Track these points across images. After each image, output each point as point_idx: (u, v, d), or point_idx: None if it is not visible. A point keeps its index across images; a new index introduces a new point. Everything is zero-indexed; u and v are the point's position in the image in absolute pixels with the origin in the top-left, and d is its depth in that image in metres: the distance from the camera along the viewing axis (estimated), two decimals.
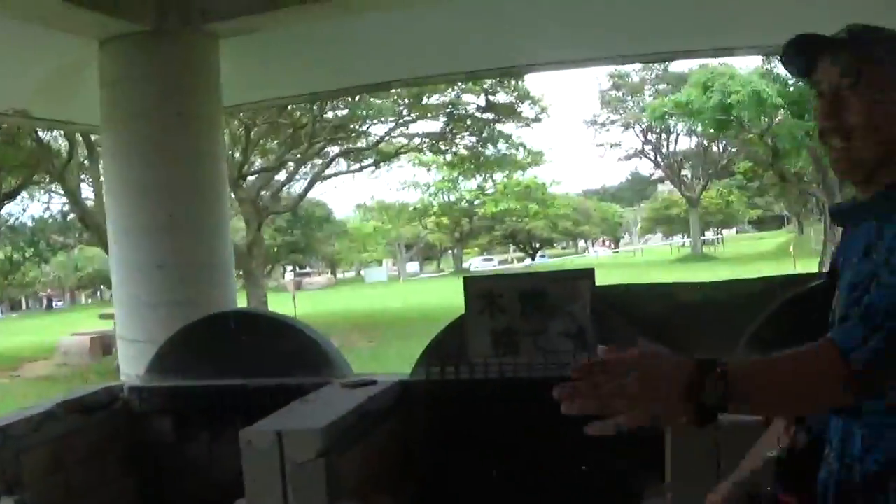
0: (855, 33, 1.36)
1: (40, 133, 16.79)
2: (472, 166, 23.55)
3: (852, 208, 1.39)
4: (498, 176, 30.72)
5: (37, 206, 32.81)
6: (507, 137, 22.85)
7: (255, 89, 6.38)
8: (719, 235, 55.45)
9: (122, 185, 4.15)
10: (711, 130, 25.65)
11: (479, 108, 20.58)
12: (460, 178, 35.64)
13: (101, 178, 18.34)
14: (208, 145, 4.28)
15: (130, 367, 3.98)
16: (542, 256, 57.33)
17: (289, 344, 3.29)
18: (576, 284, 2.96)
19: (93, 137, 15.73)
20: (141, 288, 4.00)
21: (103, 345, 16.52)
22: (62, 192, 26.85)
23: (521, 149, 24.85)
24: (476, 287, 3.06)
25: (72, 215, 31.17)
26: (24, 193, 24.00)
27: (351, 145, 23.18)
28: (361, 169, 25.81)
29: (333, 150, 22.57)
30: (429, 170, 35.97)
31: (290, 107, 16.12)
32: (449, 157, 24.93)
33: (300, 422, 2.50)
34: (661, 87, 36.51)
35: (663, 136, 40.88)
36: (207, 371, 3.22)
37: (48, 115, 7.05)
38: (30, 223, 31.34)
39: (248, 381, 3.11)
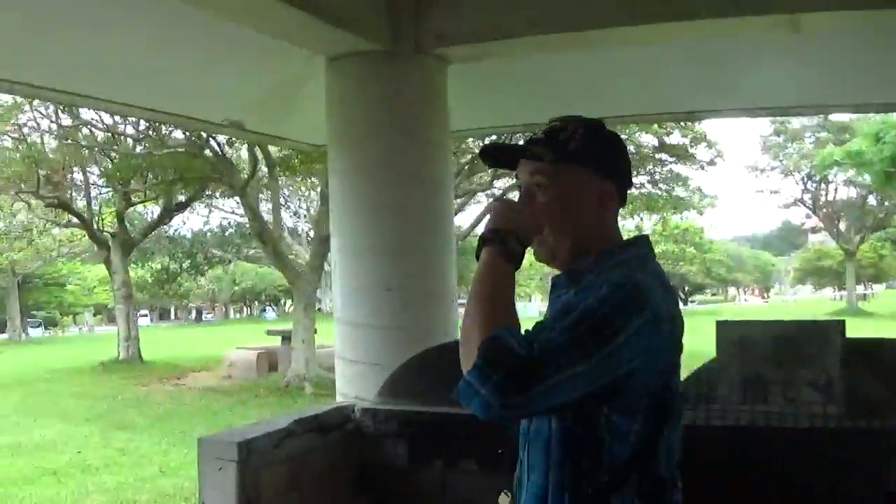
0: (551, 131, 1.64)
1: (217, 146, 18.30)
2: (641, 206, 24.27)
3: (556, 283, 1.72)
4: (653, 217, 32.63)
5: (196, 219, 35.75)
6: (685, 180, 24.32)
7: (472, 116, 6.83)
8: (870, 290, 59.00)
9: (352, 206, 4.54)
10: (879, 183, 26.24)
11: (653, 148, 21.64)
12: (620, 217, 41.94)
13: (275, 194, 19.88)
14: (437, 169, 4.66)
15: (349, 387, 4.39)
16: (692, 301, 60.73)
17: None
18: (826, 334, 3.10)
19: (273, 154, 17.06)
20: (366, 309, 4.39)
21: (270, 361, 17.81)
22: (216, 206, 29.13)
23: (696, 192, 26.24)
24: (729, 331, 3.25)
25: (230, 230, 33.71)
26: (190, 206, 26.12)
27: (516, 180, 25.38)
28: None
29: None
30: None
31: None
32: None
33: None
34: (822, 135, 38.73)
35: (822, 185, 44.60)
36: (440, 398, 3.50)
37: (260, 130, 7.72)
38: (189, 235, 34.20)
39: None
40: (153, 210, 29.30)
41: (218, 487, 3.07)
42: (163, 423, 12.70)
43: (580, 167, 1.64)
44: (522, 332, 1.48)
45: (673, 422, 1.60)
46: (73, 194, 25.59)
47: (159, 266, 34.86)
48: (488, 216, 1.66)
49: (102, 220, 26.23)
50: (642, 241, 1.73)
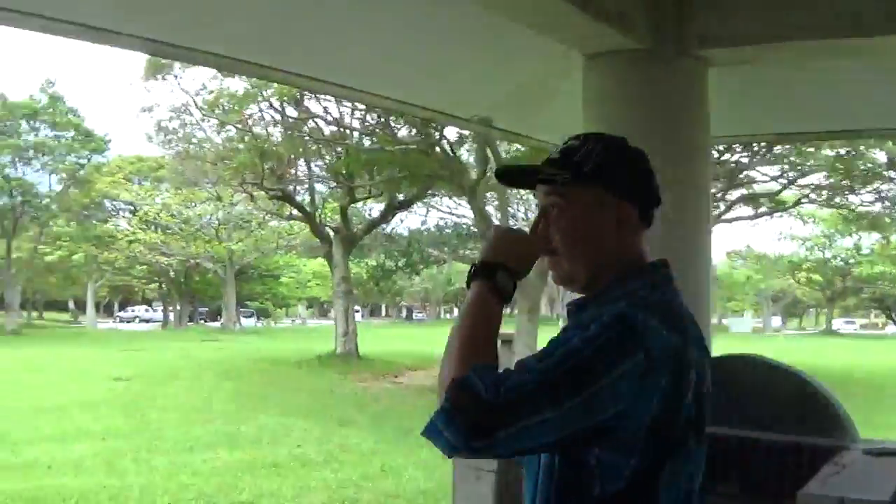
0: (567, 150, 1.64)
1: (448, 145, 18.89)
2: (867, 225, 23.55)
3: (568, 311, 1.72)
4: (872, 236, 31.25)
5: (414, 218, 37.08)
6: None
7: (721, 123, 6.80)
8: None
9: None
10: None
11: (885, 164, 21.28)
12: (836, 235, 42.92)
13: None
14: (695, 176, 4.71)
15: None
16: None
17: (786, 395, 3.52)
18: None
19: (503, 153, 17.39)
20: None
21: None
22: (433, 206, 30.04)
23: None
24: None
25: (447, 230, 34.70)
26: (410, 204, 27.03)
27: (747, 191, 26.26)
28: (757, 216, 28.65)
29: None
30: (805, 223, 39.38)
31: None
32: (844, 212, 27.68)
33: (860, 490, 2.57)
34: None
35: None
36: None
37: (507, 127, 7.90)
38: (405, 234, 35.60)
39: (759, 433, 3.33)
40: (371, 207, 30.55)
41: (473, 497, 3.21)
42: (382, 421, 13.22)
43: (596, 188, 1.63)
44: (503, 370, 1.48)
45: (682, 454, 1.54)
46: (296, 187, 27.25)
47: (374, 263, 36.46)
48: (483, 244, 1.69)
49: (324, 214, 27.72)
50: (656, 268, 1.67)
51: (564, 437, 1.45)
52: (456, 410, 1.44)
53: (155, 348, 29.36)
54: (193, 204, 43.21)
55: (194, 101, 25.99)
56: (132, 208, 51.28)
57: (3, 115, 46.92)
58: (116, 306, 79.27)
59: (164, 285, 60.88)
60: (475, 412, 1.43)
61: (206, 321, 68.39)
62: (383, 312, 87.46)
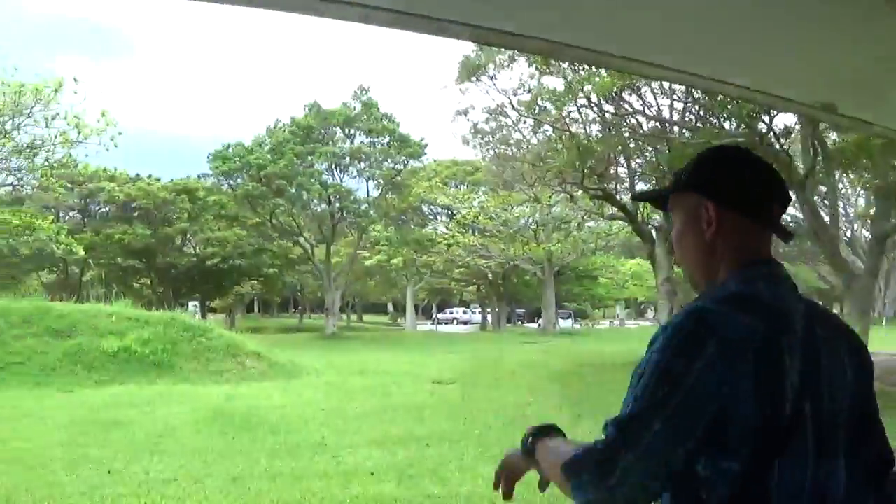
0: (676, 177, 1.90)
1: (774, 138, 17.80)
2: None
3: None
4: None
5: None
6: None
7: None
8: None
9: None
10: None
11: None
12: None
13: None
14: None
15: None
16: None
17: None
18: None
19: (830, 145, 16.26)
20: None
21: None
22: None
23: None
24: None
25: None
26: None
27: None
28: None
29: None
30: None
31: None
32: None
33: None
34: None
35: None
36: None
37: (852, 113, 6.88)
38: None
39: None
40: None
41: None
42: None
43: (693, 195, 1.80)
44: None
45: (795, 454, 1.60)
46: (617, 186, 26.78)
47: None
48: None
49: (645, 213, 27.13)
50: (754, 265, 1.75)
51: (683, 449, 1.56)
52: (581, 469, 1.61)
53: (475, 351, 30.18)
54: (511, 206, 44.08)
55: (510, 102, 26.29)
56: (449, 212, 53.58)
57: (318, 123, 50.63)
58: (434, 308, 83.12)
59: (481, 287, 63.30)
60: (595, 458, 1.59)
61: (522, 322, 70.10)
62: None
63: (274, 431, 11.86)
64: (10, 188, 34.69)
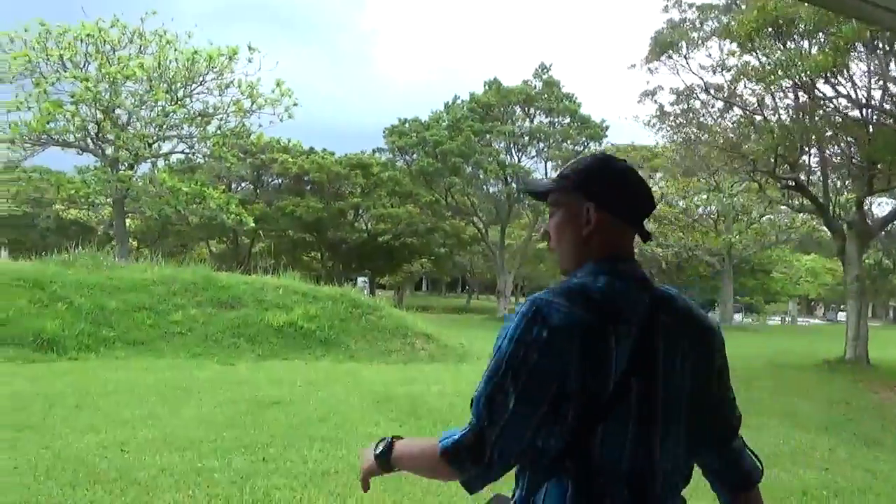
0: (561, 173, 2.22)
1: None
2: None
3: None
4: None
5: None
6: None
7: None
8: None
9: None
10: None
11: None
12: None
13: None
14: None
15: None
16: None
17: None
18: None
19: None
20: None
21: None
22: None
23: None
24: None
25: None
26: None
27: None
28: None
29: None
30: None
31: None
32: None
33: None
34: None
35: None
36: None
37: None
38: None
39: None
40: (882, 201, 27.92)
41: None
42: None
43: (575, 195, 2.15)
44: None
45: (614, 422, 1.94)
46: (809, 177, 25.46)
47: (871, 261, 33.31)
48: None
49: (839, 206, 25.74)
50: (609, 261, 2.08)
51: (535, 420, 1.93)
52: (458, 454, 1.97)
53: None
54: (690, 194, 42.78)
55: (703, 84, 25.28)
56: None
57: (497, 100, 50.41)
58: None
59: (654, 276, 61.45)
60: (468, 439, 1.95)
61: None
62: (869, 313, 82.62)
63: (444, 420, 11.16)
64: (183, 156, 35.94)
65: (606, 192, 2.14)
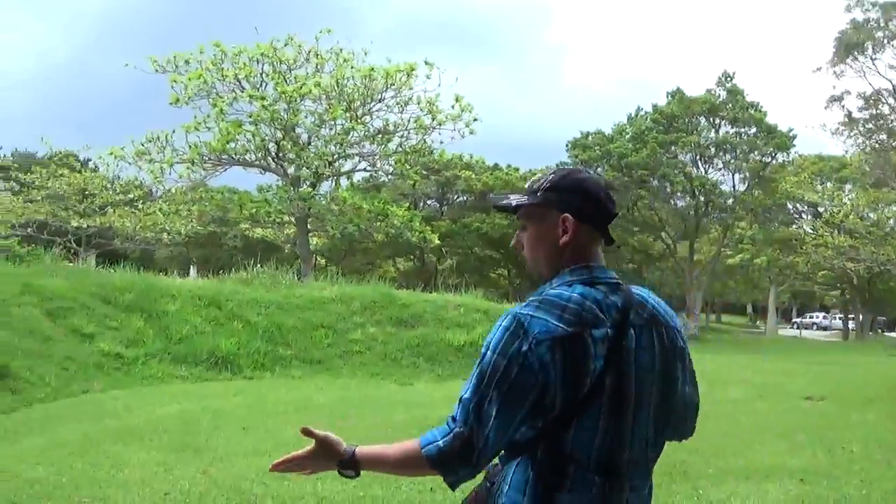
0: (534, 181, 2.39)
1: None
2: None
3: None
4: None
5: None
6: None
7: None
8: None
9: None
10: None
11: None
12: None
13: None
14: None
15: None
16: None
17: None
18: None
19: None
20: None
21: None
22: None
23: None
24: None
25: None
26: None
27: None
28: None
29: None
30: None
31: None
32: None
33: None
34: None
35: None
36: None
37: None
38: None
39: None
40: None
41: None
42: None
43: (546, 207, 2.32)
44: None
45: (588, 416, 2.12)
46: None
47: None
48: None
49: None
50: (583, 270, 2.27)
51: (519, 420, 2.12)
52: (449, 458, 2.13)
53: (841, 362, 27.44)
54: (882, 205, 40.03)
55: (892, 87, 23.15)
56: (814, 210, 50.08)
57: (681, 111, 48.95)
58: (794, 312, 79.46)
59: (845, 292, 58.68)
60: (458, 445, 2.11)
61: (882, 331, 67.31)
62: None
63: None
64: (367, 174, 36.16)
65: (577, 202, 2.29)
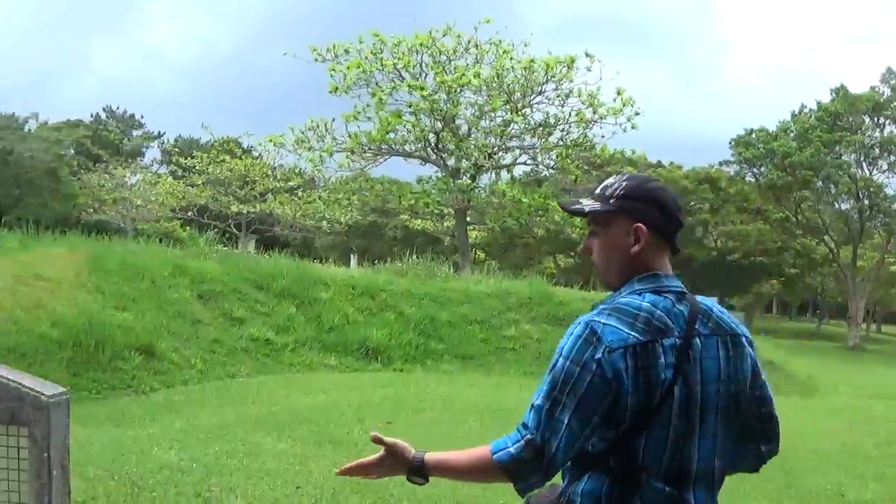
0: (605, 186, 2.40)
1: None
2: None
3: None
4: None
5: None
6: None
7: None
8: None
9: None
10: None
11: None
12: None
13: None
14: None
15: None
16: None
17: None
18: None
19: None
20: None
21: None
22: None
23: None
24: None
25: None
26: None
27: None
28: None
29: None
30: None
31: None
32: None
33: None
34: None
35: None
36: None
37: None
38: None
39: None
40: None
41: None
42: None
43: (620, 214, 2.33)
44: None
45: (657, 426, 2.14)
46: None
47: None
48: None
49: None
50: (652, 279, 2.30)
51: (589, 429, 2.14)
52: (520, 465, 2.15)
53: None
54: None
55: None
56: None
57: (844, 108, 46.70)
58: None
59: None
60: (530, 451, 2.15)
61: None
62: None
63: (786, 470, 9.02)
64: (528, 168, 35.68)
65: (650, 211, 2.32)
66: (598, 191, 2.41)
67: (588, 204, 2.39)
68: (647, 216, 2.31)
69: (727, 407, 2.27)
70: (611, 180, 2.42)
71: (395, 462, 2.30)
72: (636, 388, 2.11)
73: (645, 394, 2.12)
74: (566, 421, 2.10)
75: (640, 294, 2.25)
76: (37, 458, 3.89)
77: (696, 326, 2.22)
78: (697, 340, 2.21)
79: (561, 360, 2.15)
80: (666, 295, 2.26)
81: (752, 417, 2.41)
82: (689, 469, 2.21)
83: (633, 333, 2.13)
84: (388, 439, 2.29)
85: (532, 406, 2.16)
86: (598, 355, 2.09)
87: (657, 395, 2.13)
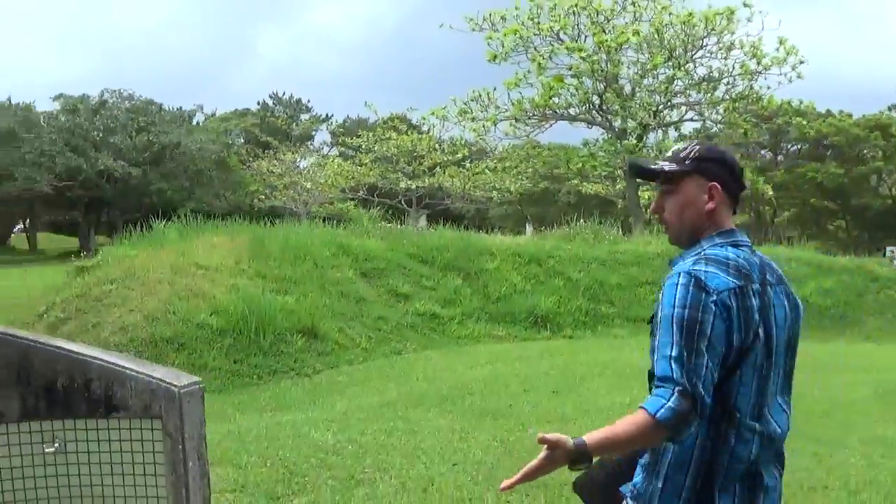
0: (677, 150, 2.62)
1: None
2: None
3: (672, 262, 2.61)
4: None
5: None
6: None
7: None
8: None
9: None
10: None
11: None
12: None
13: None
14: None
15: None
16: None
17: None
18: None
19: None
20: None
21: None
22: None
23: None
24: None
25: None
26: None
27: None
28: None
29: None
30: None
31: None
32: None
33: None
34: None
35: None
36: None
37: None
38: None
39: None
40: None
41: None
42: None
43: (694, 175, 2.55)
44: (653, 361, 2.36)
45: (748, 364, 2.36)
46: None
47: None
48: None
49: None
50: (727, 233, 2.53)
51: (721, 369, 2.32)
52: (680, 417, 2.21)
53: None
54: None
55: None
56: None
57: None
58: None
59: None
60: (683, 402, 2.22)
61: None
62: None
63: None
64: (696, 125, 34.48)
65: (723, 173, 2.56)
66: (671, 154, 2.63)
67: (667, 165, 2.60)
68: (721, 177, 2.55)
69: (786, 352, 2.50)
70: (682, 145, 2.64)
71: (556, 457, 2.29)
72: (739, 327, 2.32)
73: (745, 333, 2.34)
74: (704, 363, 2.24)
75: (721, 247, 2.47)
76: (171, 451, 3.86)
77: (767, 276, 2.47)
78: (769, 289, 2.44)
79: (678, 309, 2.29)
80: (742, 248, 2.50)
81: (794, 367, 2.60)
82: (768, 405, 2.43)
83: (731, 278, 2.35)
84: (550, 437, 2.27)
85: (667, 358, 2.26)
86: (713, 298, 2.29)
87: (751, 336, 2.35)
